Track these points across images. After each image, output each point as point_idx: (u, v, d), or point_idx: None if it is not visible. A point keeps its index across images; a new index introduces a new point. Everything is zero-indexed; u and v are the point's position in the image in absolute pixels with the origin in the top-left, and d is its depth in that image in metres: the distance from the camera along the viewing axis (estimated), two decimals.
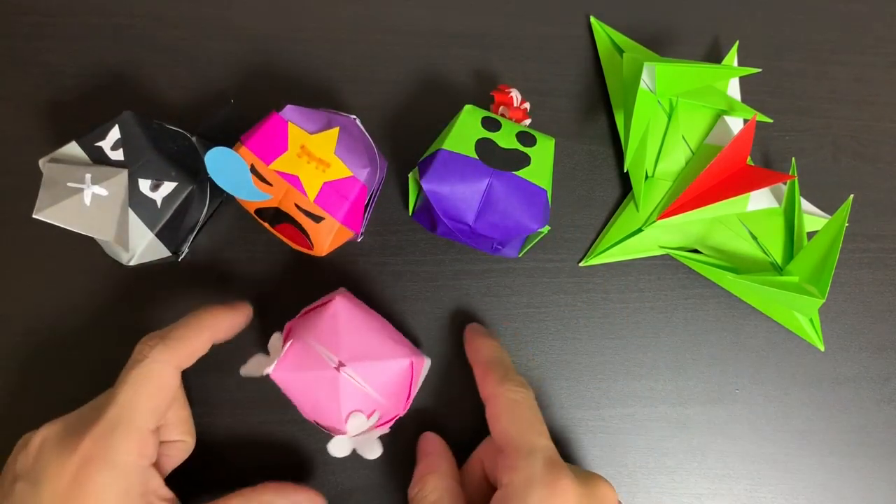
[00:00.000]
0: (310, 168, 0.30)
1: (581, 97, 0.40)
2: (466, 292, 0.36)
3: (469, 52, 0.40)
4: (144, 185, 0.30)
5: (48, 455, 0.26)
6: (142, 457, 0.26)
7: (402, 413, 0.31)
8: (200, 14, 0.39)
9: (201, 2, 0.39)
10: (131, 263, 0.31)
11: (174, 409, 0.30)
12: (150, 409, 0.27)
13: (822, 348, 0.37)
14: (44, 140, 0.36)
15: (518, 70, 0.40)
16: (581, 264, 0.37)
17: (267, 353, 0.30)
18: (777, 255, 0.36)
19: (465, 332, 0.35)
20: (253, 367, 0.30)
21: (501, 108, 0.35)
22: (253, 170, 0.30)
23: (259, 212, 0.32)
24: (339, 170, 0.30)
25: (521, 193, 0.31)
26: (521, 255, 0.35)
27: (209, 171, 0.29)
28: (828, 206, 0.38)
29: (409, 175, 0.34)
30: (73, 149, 0.30)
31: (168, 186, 0.31)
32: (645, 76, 0.36)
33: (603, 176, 0.39)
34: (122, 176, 0.30)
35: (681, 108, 0.37)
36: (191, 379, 0.34)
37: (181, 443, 0.30)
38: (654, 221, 0.36)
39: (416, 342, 0.34)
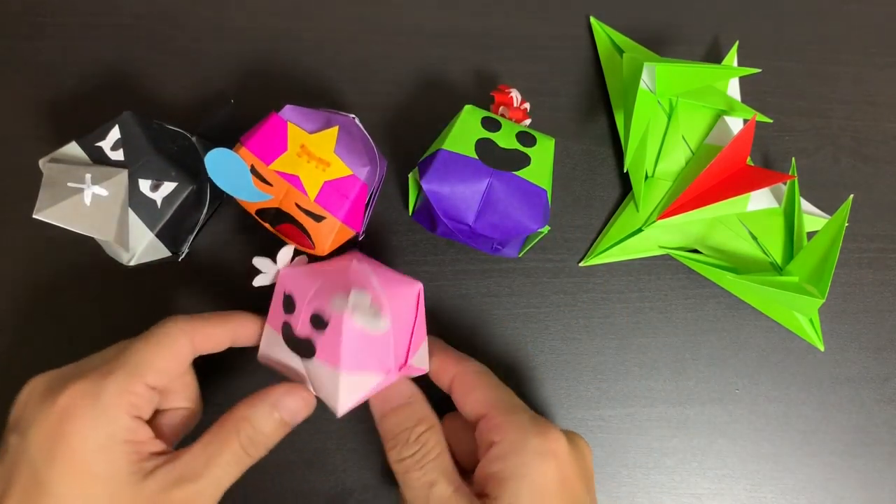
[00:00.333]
0: (310, 167, 0.30)
1: (581, 97, 0.40)
2: (466, 292, 0.36)
3: (469, 52, 0.40)
4: (144, 185, 0.30)
5: (34, 403, 0.25)
6: (131, 406, 0.26)
7: (405, 353, 0.29)
8: (201, 14, 0.39)
9: (201, 2, 0.39)
10: (131, 263, 0.31)
11: (181, 377, 0.29)
12: (154, 365, 0.26)
13: (822, 348, 0.37)
14: (44, 140, 0.36)
15: (518, 70, 0.40)
16: (581, 264, 0.37)
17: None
18: (777, 255, 0.36)
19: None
20: (260, 264, 0.30)
21: (501, 108, 0.35)
22: (253, 170, 0.30)
23: (260, 212, 0.32)
24: (340, 169, 0.30)
25: (521, 193, 0.31)
26: (521, 255, 0.35)
27: (209, 172, 0.29)
28: (828, 206, 0.38)
29: (409, 175, 0.34)
30: (73, 149, 0.30)
31: (168, 186, 0.31)
32: (645, 76, 0.36)
33: (603, 176, 0.39)
34: (122, 176, 0.30)
35: (681, 108, 0.37)
36: None
37: (185, 410, 0.29)
38: (654, 221, 0.36)
39: None
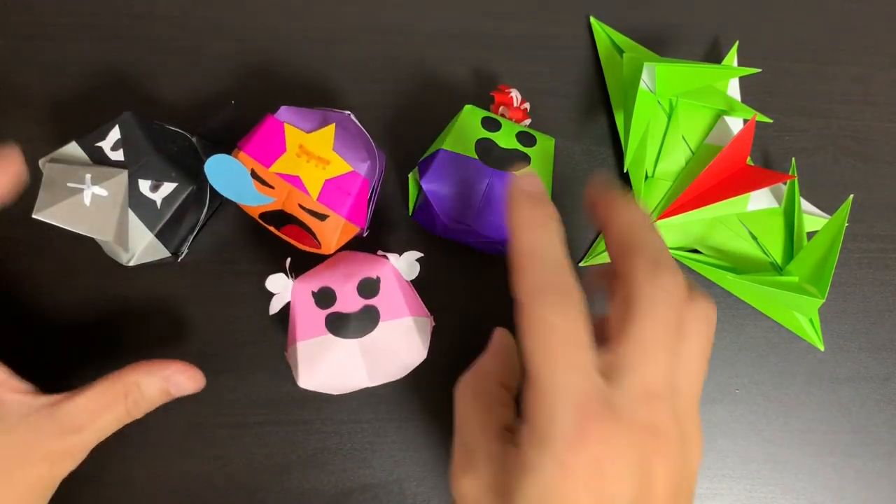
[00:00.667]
0: (310, 167, 0.30)
1: (581, 97, 0.40)
2: (467, 292, 0.36)
3: (469, 52, 0.40)
4: (144, 185, 0.30)
5: None
6: None
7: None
8: (201, 14, 0.39)
9: (202, 2, 0.39)
10: (131, 263, 0.31)
11: None
12: None
13: (822, 348, 0.37)
14: (44, 140, 0.36)
15: (518, 70, 0.40)
16: (581, 264, 0.37)
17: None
18: (777, 255, 0.36)
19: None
20: (274, 282, 0.30)
21: (501, 108, 0.35)
22: (253, 174, 0.30)
23: (263, 216, 0.32)
24: (340, 166, 0.30)
25: None
26: None
27: (210, 180, 0.29)
28: (828, 206, 0.38)
29: (409, 175, 0.34)
30: (73, 149, 0.30)
31: (168, 187, 0.31)
32: (645, 76, 0.36)
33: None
34: (123, 176, 0.30)
35: (681, 108, 0.37)
36: None
37: None
38: (654, 221, 0.36)
39: None
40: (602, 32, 0.41)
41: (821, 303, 0.32)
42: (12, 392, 0.26)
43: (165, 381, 0.28)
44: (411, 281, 0.31)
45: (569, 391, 0.20)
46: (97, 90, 0.37)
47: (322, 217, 0.30)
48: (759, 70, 0.37)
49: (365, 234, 0.35)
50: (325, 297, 0.29)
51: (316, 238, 0.31)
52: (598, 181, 0.27)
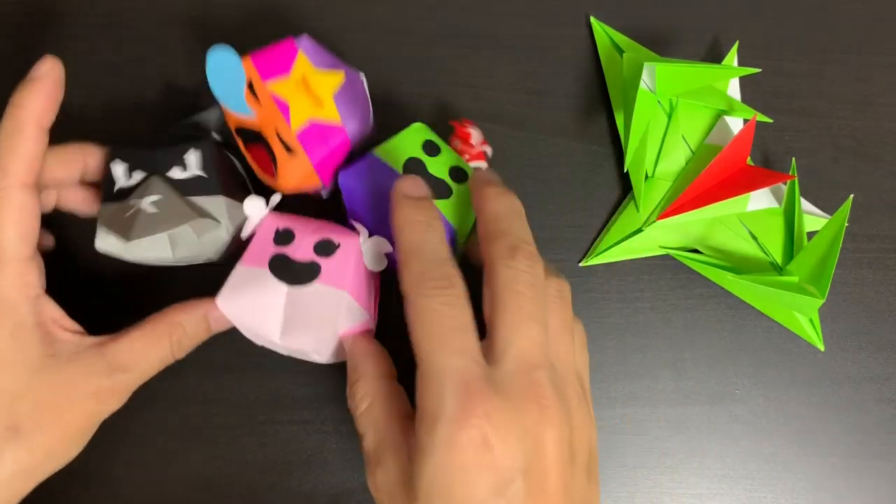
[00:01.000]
0: (302, 100, 0.29)
1: (581, 97, 0.40)
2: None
3: (469, 52, 0.40)
4: (175, 172, 0.30)
5: None
6: (25, 286, 0.26)
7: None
8: (201, 14, 0.39)
9: (201, 2, 0.39)
10: (231, 232, 0.30)
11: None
12: (18, 236, 0.26)
13: (822, 348, 0.37)
14: None
15: (518, 70, 0.40)
16: (581, 264, 0.37)
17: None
18: (777, 255, 0.36)
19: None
20: (251, 205, 0.30)
21: (456, 140, 0.34)
22: (249, 84, 0.29)
23: (239, 129, 0.31)
24: (331, 113, 0.30)
25: None
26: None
27: (208, 72, 0.28)
28: (828, 206, 0.38)
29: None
30: (106, 208, 0.30)
31: (193, 155, 0.30)
32: (645, 76, 0.36)
33: (603, 176, 0.39)
34: (155, 179, 0.29)
35: (681, 108, 0.37)
36: (193, 378, 0.34)
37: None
38: (654, 221, 0.36)
39: None
40: (602, 32, 0.41)
41: (821, 303, 0.32)
42: (65, 331, 0.27)
43: (205, 318, 0.29)
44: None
45: (454, 373, 0.22)
46: (97, 90, 0.37)
47: (292, 151, 0.30)
48: (759, 70, 0.37)
49: (325, 196, 0.34)
50: (283, 238, 0.29)
51: (276, 169, 0.30)
52: (480, 173, 0.28)
